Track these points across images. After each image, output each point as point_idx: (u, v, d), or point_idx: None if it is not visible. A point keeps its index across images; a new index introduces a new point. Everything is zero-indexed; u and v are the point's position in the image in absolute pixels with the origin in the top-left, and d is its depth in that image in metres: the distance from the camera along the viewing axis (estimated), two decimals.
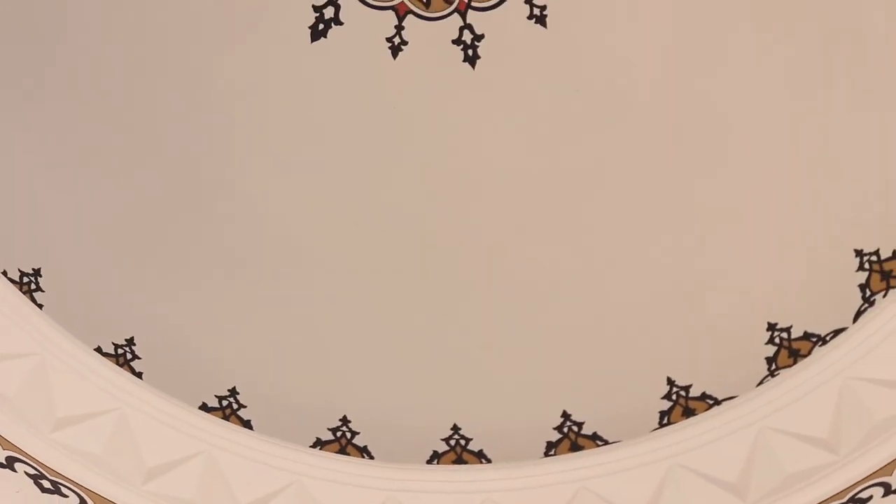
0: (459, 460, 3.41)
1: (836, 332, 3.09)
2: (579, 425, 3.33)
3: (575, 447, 3.26)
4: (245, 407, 3.49)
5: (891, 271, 3.07)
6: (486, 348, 3.51)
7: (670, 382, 3.28)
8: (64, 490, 2.92)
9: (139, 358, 3.41)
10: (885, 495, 2.80)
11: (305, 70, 3.20)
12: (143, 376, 3.38)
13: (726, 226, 3.32)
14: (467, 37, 3.25)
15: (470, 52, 3.25)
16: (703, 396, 3.25)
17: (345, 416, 3.50)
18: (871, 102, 3.16)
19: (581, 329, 3.40)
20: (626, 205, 3.39)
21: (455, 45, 3.26)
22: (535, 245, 3.48)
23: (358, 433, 3.50)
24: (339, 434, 3.50)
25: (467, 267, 3.50)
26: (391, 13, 3.21)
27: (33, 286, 3.19)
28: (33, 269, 3.24)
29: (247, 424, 3.47)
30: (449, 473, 3.31)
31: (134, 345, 3.42)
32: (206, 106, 3.32)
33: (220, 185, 3.40)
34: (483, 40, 3.26)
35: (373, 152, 3.33)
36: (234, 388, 3.48)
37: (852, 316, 3.09)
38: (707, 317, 3.31)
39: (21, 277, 3.19)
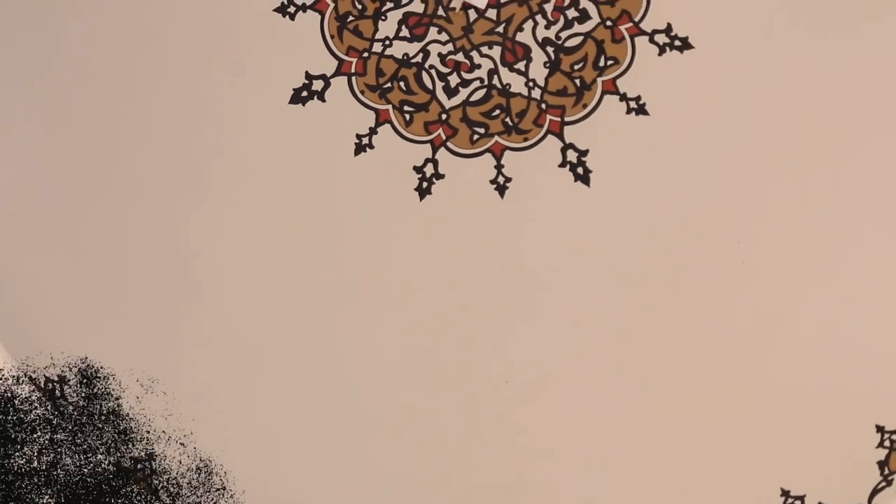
0: None
1: None
2: None
3: None
4: None
5: None
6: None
7: None
8: None
9: None
10: None
11: (268, 124, 3.19)
12: None
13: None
14: (429, 170, 3.23)
15: (424, 184, 3.22)
16: None
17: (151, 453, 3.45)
18: None
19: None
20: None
21: (414, 172, 3.24)
22: (425, 396, 3.40)
23: None
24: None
25: (364, 388, 3.41)
26: (372, 114, 3.20)
27: None
28: None
29: None
30: None
31: None
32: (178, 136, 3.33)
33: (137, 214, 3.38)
34: (441, 180, 3.23)
35: (302, 241, 3.29)
36: None
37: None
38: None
39: None
